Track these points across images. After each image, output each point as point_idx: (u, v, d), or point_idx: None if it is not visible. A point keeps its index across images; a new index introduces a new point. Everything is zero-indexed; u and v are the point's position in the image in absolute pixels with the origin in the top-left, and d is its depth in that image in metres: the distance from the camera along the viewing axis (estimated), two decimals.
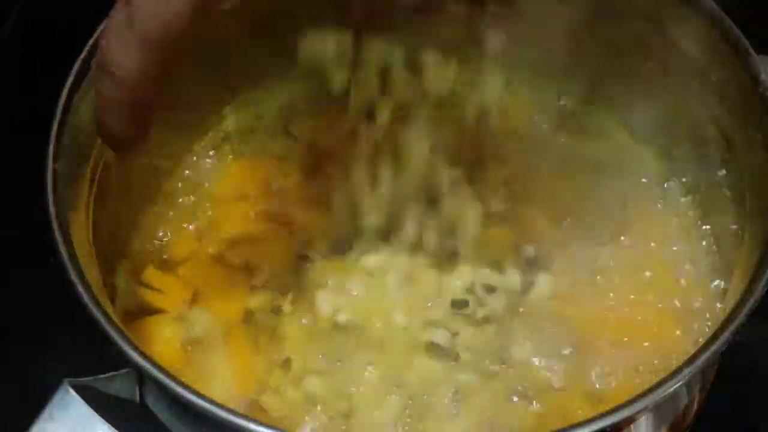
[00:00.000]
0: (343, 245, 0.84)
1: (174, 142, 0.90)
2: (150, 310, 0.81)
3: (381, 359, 0.79)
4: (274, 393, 0.77)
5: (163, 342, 0.79)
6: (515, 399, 0.77)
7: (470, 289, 0.81)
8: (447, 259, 0.82)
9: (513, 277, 0.82)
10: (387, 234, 0.83)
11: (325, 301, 0.81)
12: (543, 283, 0.82)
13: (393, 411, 0.76)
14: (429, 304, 0.81)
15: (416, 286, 0.82)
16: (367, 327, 0.80)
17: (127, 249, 0.85)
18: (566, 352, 0.79)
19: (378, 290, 0.82)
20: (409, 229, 0.82)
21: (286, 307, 0.81)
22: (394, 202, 0.81)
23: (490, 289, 0.81)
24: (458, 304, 0.80)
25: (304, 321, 0.81)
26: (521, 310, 0.81)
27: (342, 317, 0.80)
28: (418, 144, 0.79)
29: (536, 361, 0.79)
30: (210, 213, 0.87)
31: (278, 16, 0.86)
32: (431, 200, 0.82)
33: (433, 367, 0.78)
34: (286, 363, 0.78)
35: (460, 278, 0.82)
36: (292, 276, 0.83)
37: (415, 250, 0.82)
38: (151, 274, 0.83)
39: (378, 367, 0.78)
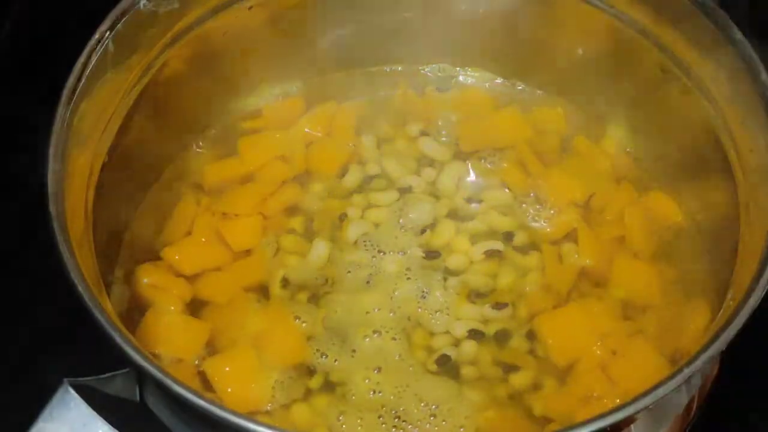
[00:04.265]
0: None
1: (172, 139, 0.90)
2: (147, 307, 0.81)
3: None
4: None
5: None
6: None
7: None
8: None
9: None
10: None
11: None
12: None
13: None
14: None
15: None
16: None
17: (124, 246, 0.85)
18: None
19: None
20: None
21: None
22: None
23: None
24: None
25: None
26: None
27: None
28: None
29: None
30: (207, 205, 0.88)
31: None
32: None
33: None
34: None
35: None
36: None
37: None
38: (147, 269, 0.83)
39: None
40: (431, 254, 0.85)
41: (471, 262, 0.85)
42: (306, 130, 0.92)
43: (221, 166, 0.90)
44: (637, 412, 0.62)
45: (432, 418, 0.76)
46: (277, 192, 0.89)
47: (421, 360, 0.80)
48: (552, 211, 0.87)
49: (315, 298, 0.83)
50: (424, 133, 0.93)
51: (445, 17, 0.93)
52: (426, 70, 0.97)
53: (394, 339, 0.80)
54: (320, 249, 0.85)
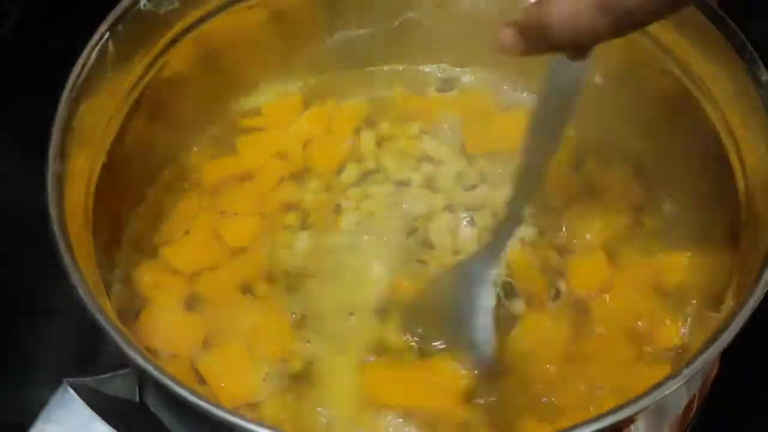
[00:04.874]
0: None
1: (172, 139, 0.90)
2: (146, 304, 0.82)
3: None
4: None
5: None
6: None
7: None
8: None
9: None
10: None
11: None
12: None
13: None
14: None
15: None
16: None
17: (123, 245, 0.85)
18: None
19: None
20: None
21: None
22: None
23: None
24: None
25: None
26: None
27: None
28: None
29: None
30: (206, 204, 0.88)
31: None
32: None
33: None
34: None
35: None
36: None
37: None
38: (146, 268, 0.84)
39: None
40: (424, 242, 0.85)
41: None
42: (305, 127, 0.92)
43: (220, 164, 0.90)
44: (637, 412, 0.62)
45: None
46: (275, 190, 0.89)
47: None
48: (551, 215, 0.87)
49: (305, 290, 0.83)
50: (424, 132, 0.93)
51: (447, 17, 0.93)
52: (426, 69, 0.97)
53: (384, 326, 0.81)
54: (304, 240, 0.86)
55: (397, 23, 0.93)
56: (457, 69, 0.97)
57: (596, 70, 0.89)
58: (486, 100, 0.95)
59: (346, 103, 0.95)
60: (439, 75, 0.97)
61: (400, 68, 0.97)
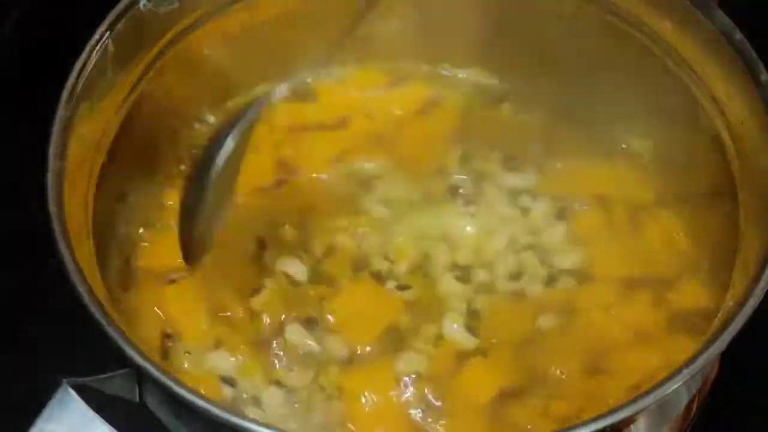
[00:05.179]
0: None
1: (172, 139, 0.90)
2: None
3: None
4: None
5: None
6: None
7: None
8: None
9: None
10: None
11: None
12: None
13: None
14: None
15: None
16: None
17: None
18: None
19: None
20: None
21: None
22: None
23: None
24: None
25: None
26: None
27: None
28: None
29: None
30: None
31: None
32: None
33: None
34: None
35: None
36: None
37: None
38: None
39: None
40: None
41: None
42: (393, 103, 0.89)
43: (294, 108, 0.88)
44: (637, 412, 0.62)
45: None
46: (360, 147, 0.86)
47: None
48: None
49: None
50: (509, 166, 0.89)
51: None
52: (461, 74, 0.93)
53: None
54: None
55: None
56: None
57: (595, 70, 0.89)
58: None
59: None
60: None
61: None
